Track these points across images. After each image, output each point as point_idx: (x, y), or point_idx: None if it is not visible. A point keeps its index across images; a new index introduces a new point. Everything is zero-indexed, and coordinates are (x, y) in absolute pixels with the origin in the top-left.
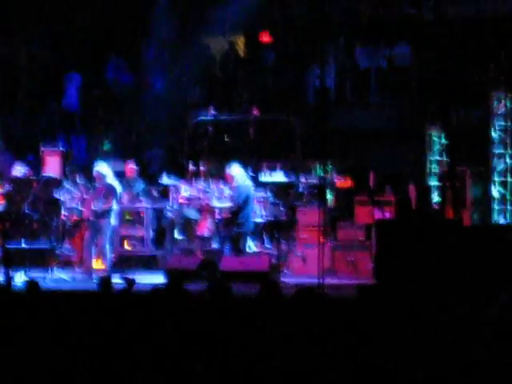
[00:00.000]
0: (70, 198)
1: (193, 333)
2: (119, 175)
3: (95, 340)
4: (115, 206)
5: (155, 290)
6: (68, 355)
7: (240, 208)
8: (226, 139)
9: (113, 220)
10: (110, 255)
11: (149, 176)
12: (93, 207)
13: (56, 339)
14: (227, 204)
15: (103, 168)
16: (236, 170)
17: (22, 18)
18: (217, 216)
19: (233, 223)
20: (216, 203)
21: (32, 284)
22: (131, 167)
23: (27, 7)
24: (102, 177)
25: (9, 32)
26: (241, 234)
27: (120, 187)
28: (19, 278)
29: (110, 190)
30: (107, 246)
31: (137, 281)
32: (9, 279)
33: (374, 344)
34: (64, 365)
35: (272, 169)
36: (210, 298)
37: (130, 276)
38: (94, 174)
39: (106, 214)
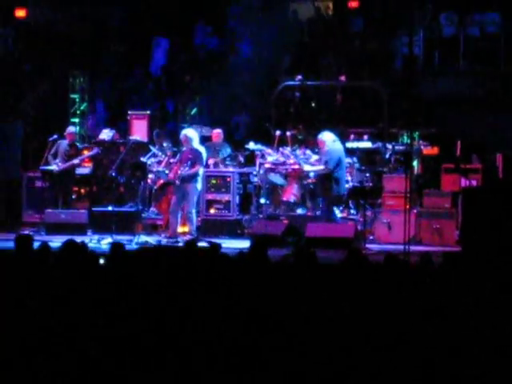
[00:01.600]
0: (157, 162)
1: (273, 299)
2: (206, 140)
3: (177, 301)
4: (201, 171)
5: (239, 254)
6: (152, 315)
7: (332, 172)
8: (312, 105)
9: (199, 185)
10: (195, 220)
11: (235, 141)
12: (179, 171)
13: (141, 300)
14: (319, 167)
15: (190, 132)
16: (327, 136)
17: None
18: (309, 180)
19: (325, 187)
20: (308, 167)
21: (117, 246)
22: (218, 132)
23: None
24: (189, 140)
25: None
26: (333, 199)
27: (206, 152)
28: (106, 242)
29: (196, 155)
30: (193, 211)
31: (222, 246)
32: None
33: (457, 312)
34: (148, 323)
35: (359, 137)
36: (295, 264)
37: (216, 241)
38: (181, 137)
39: (192, 178)
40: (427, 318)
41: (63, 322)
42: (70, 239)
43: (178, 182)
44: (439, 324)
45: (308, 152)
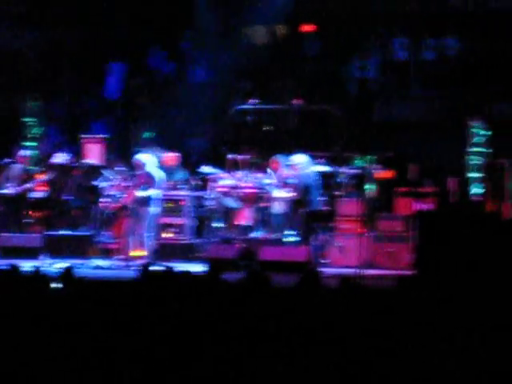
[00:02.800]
0: (110, 186)
1: (230, 322)
2: (160, 164)
3: (132, 326)
4: (155, 194)
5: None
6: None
7: (302, 197)
8: (266, 129)
9: (153, 208)
10: (150, 243)
11: (189, 165)
12: (133, 195)
13: (92, 327)
14: (289, 195)
15: (143, 156)
16: (300, 158)
17: (66, 6)
18: (262, 204)
19: (298, 212)
20: (277, 193)
21: (67, 270)
22: (171, 156)
23: None
24: (142, 165)
25: (53, 19)
26: (305, 223)
27: (162, 176)
28: (58, 266)
29: (149, 178)
30: (146, 234)
31: (176, 269)
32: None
33: (412, 336)
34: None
35: (312, 160)
36: (248, 287)
37: (169, 265)
38: (134, 161)
39: (146, 202)
40: (382, 342)
41: (13, 346)
42: (12, 264)
43: (132, 205)
44: (394, 348)
45: (259, 175)
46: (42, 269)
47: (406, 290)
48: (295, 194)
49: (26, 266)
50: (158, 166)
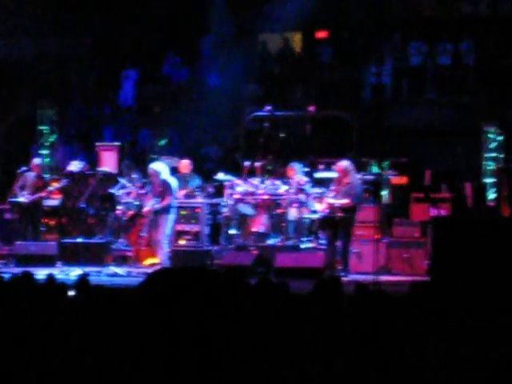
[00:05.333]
0: (126, 193)
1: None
2: (175, 171)
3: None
4: (174, 201)
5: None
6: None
7: (357, 204)
8: (281, 136)
9: (172, 216)
10: (166, 250)
11: (204, 172)
12: (152, 206)
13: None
14: (344, 201)
15: (157, 165)
16: (348, 164)
17: (80, 13)
18: (278, 211)
19: (350, 220)
20: (331, 201)
21: (82, 278)
22: (186, 163)
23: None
24: (157, 173)
25: (67, 27)
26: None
27: (176, 183)
28: (74, 274)
29: (165, 186)
30: (165, 241)
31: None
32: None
33: (425, 342)
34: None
35: (328, 167)
36: (262, 294)
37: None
38: (149, 171)
39: (164, 210)
40: (393, 348)
41: (29, 352)
42: (26, 271)
43: (151, 216)
44: (406, 355)
45: (277, 182)
46: (58, 276)
47: (418, 296)
48: (348, 200)
49: (42, 273)
50: (171, 173)
